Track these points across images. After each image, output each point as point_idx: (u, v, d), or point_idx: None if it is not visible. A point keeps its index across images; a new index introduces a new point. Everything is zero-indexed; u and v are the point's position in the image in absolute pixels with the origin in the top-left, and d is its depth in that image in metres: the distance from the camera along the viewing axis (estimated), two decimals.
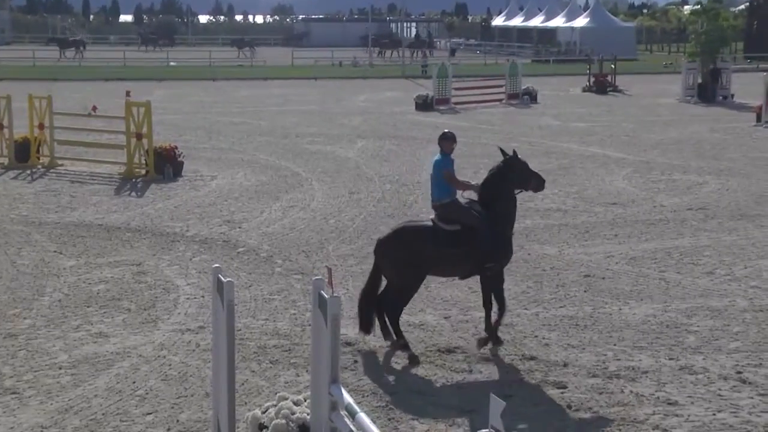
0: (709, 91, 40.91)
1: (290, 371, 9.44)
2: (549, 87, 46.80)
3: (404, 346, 9.79)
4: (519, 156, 10.23)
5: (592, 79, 47.25)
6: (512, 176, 10.12)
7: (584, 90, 46.78)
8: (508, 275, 13.02)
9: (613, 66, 48.65)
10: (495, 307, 10.10)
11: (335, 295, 6.23)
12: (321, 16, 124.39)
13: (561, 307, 11.58)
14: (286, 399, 7.54)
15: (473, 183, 10.43)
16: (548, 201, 18.34)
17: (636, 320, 11.05)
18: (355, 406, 5.93)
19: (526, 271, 13.27)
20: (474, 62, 69.80)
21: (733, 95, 41.04)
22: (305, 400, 7.44)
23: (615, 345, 10.24)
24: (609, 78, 47.32)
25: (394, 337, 9.83)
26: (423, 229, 9.87)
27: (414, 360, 9.66)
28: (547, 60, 73.46)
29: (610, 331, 10.67)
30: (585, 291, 12.21)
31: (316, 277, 6.49)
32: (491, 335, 10.02)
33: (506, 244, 10.03)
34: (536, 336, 10.50)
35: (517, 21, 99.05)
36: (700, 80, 41.61)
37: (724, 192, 19.38)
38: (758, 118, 32.35)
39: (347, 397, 6.08)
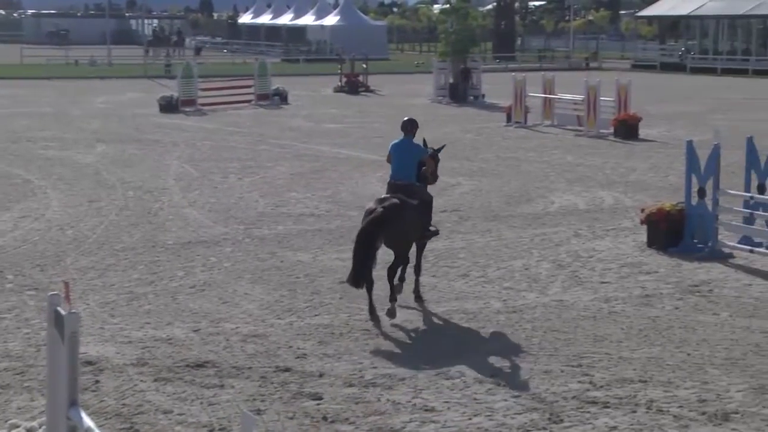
0: (460, 91, 42.42)
1: (24, 396, 9.05)
2: (300, 87, 47.23)
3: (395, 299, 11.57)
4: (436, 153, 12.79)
5: (344, 80, 48.06)
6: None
7: (336, 90, 47.49)
8: (261, 284, 13.03)
9: (364, 65, 49.63)
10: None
11: (73, 311, 6.02)
12: (52, 12, 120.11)
13: (316, 315, 11.68)
14: (18, 426, 7.23)
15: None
16: (301, 206, 18.48)
17: (392, 326, 11.29)
18: (96, 430, 5.75)
19: (280, 279, 13.31)
20: (221, 61, 69.45)
21: (483, 95, 42.73)
22: (40, 427, 7.16)
23: (371, 353, 10.42)
24: (361, 78, 48.26)
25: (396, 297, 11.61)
26: (406, 203, 11.70)
27: (392, 314, 11.42)
28: (296, 59, 74.09)
29: (366, 339, 10.85)
30: (341, 298, 12.36)
31: (52, 293, 6.26)
32: (418, 296, 12.27)
33: None
34: (291, 346, 10.54)
35: (265, 19, 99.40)
36: (451, 80, 43.08)
37: (477, 193, 20.13)
38: (508, 119, 33.78)
39: (87, 421, 5.89)
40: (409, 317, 11.62)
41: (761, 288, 12.94)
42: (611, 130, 30.10)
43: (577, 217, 17.77)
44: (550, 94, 33.58)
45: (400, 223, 11.52)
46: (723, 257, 14.51)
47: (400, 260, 11.85)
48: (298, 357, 10.24)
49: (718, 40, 73.39)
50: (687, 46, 74.50)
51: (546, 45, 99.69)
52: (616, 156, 25.97)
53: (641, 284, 13.17)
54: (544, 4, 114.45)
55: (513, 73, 37.04)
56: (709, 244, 14.66)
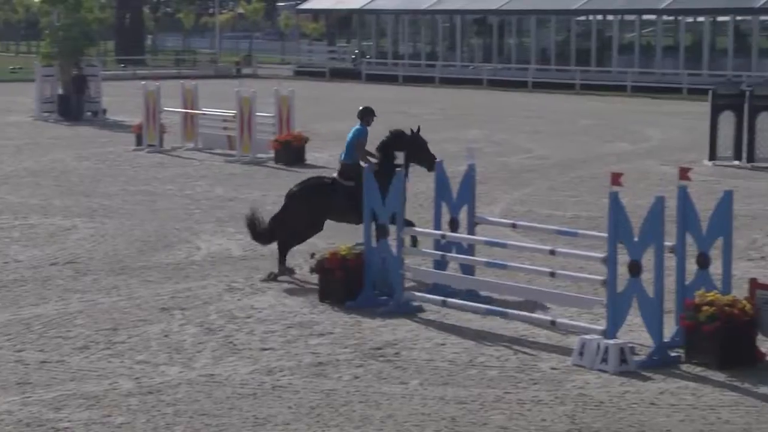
0: (73, 105, 41.86)
1: None
2: None
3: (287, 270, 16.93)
4: (420, 134, 17.35)
5: None
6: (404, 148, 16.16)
7: None
8: None
9: None
10: None
11: None
12: None
13: None
14: None
15: (372, 155, 17.21)
16: None
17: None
18: None
19: None
20: None
21: (104, 111, 42.38)
22: None
23: None
24: None
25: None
26: (324, 184, 17.11)
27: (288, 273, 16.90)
28: None
29: None
30: None
31: None
32: None
33: None
34: None
35: None
36: (60, 91, 42.42)
37: (99, 239, 19.89)
38: (138, 141, 33.55)
39: None
40: (7, 408, 11.31)
41: (456, 348, 13.50)
42: (271, 154, 30.60)
43: (231, 267, 17.93)
44: (192, 108, 33.69)
45: (299, 203, 16.70)
46: (411, 312, 15.01)
47: (293, 237, 16.91)
48: None
49: (398, 40, 76.54)
50: (361, 48, 77.12)
51: (185, 45, 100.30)
52: (279, 186, 26.31)
53: (312, 349, 13.43)
54: None
55: (143, 82, 36.95)
56: (395, 295, 15.16)
